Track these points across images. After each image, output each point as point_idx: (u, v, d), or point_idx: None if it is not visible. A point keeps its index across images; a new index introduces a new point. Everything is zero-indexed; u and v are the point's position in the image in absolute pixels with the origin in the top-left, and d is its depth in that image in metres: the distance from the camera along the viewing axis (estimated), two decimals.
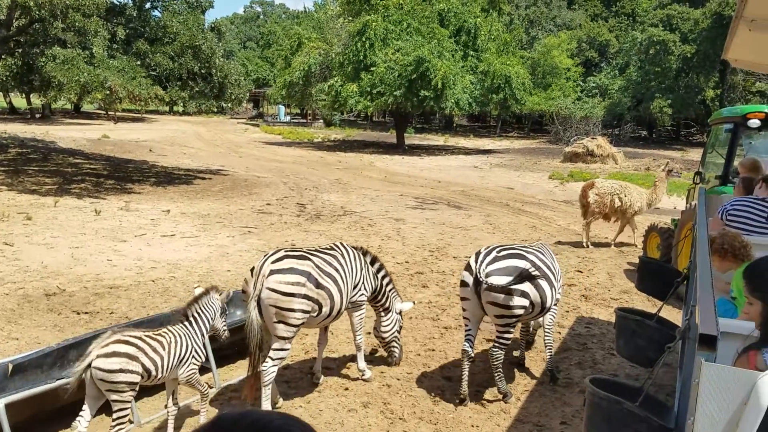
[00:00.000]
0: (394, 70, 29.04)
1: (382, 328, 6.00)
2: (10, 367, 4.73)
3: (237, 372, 5.91)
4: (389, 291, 5.99)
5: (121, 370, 4.07)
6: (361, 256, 5.65)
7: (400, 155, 29.61)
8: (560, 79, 44.39)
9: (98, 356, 4.06)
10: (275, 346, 4.91)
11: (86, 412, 4.18)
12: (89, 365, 4.06)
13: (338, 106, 33.82)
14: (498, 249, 5.45)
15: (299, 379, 5.87)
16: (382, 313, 6.00)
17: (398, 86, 29.00)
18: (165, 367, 4.34)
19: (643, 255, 9.80)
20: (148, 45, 20.82)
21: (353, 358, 6.20)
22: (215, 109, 26.09)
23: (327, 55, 33.00)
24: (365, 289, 5.61)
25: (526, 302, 5.22)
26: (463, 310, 5.58)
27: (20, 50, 18.09)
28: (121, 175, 19.04)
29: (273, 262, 4.90)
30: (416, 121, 53.66)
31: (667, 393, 5.39)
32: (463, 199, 16.76)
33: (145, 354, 4.22)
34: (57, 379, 4.70)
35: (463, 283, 5.42)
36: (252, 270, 4.98)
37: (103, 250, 9.95)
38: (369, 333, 6.54)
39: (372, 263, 5.79)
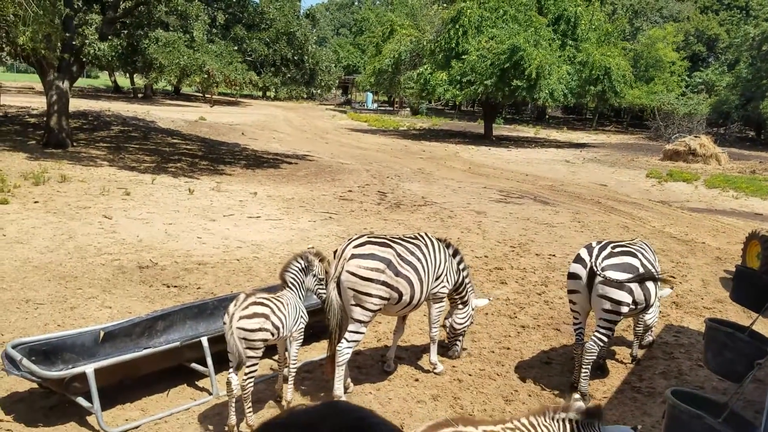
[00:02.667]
0: (487, 58, 28.47)
1: (458, 320, 5.97)
2: (102, 334, 5.04)
3: (311, 353, 6.02)
4: (468, 284, 5.93)
5: (260, 329, 4.43)
6: (445, 249, 5.60)
7: (486, 146, 29.10)
8: (664, 72, 42.19)
9: (240, 318, 4.39)
10: (351, 328, 4.98)
11: (233, 366, 4.49)
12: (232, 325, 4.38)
13: (426, 95, 33.66)
14: (612, 245, 5.44)
15: (370, 366, 5.89)
16: (460, 305, 5.95)
17: (490, 75, 28.43)
18: (287, 327, 4.67)
19: (741, 263, 9.13)
20: (245, 31, 21.45)
21: (425, 350, 6.15)
22: (305, 96, 26.60)
23: (418, 42, 32.83)
24: (447, 281, 5.57)
25: (630, 299, 5.18)
26: (572, 303, 5.58)
27: (125, 32, 19.11)
28: (214, 156, 19.85)
29: (355, 247, 4.98)
30: (506, 112, 52.64)
31: (756, 410, 5.01)
32: (550, 195, 16.26)
33: (274, 314, 4.54)
34: (144, 348, 4.96)
35: (574, 276, 5.41)
36: (335, 253, 5.05)
37: (194, 227, 10.41)
38: (443, 326, 6.47)
39: (454, 256, 5.73)
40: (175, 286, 7.51)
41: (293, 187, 15.13)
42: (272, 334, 4.52)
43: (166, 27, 18.85)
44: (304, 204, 13.17)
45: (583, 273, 5.32)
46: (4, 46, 17.86)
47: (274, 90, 23.27)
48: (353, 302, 4.94)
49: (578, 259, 5.42)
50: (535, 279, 8.82)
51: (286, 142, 25.50)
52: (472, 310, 6.04)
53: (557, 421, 2.90)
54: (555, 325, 7.17)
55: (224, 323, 4.44)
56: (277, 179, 16.25)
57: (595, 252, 5.31)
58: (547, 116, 53.96)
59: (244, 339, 4.38)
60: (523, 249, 10.41)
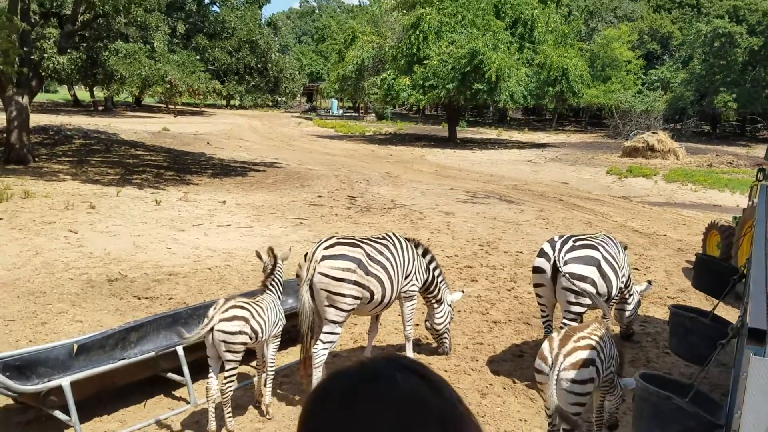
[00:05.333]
0: (448, 63, 28.84)
1: (436, 320, 6.07)
2: (75, 347, 5.00)
3: (288, 358, 6.06)
4: (441, 282, 6.04)
5: (240, 332, 4.46)
6: (413, 248, 5.71)
7: (451, 149, 29.45)
8: (620, 71, 43.18)
9: (220, 320, 4.42)
10: (326, 329, 5.04)
11: (213, 371, 4.53)
12: (212, 328, 4.42)
13: (390, 100, 33.89)
14: (574, 238, 5.58)
15: None
16: (435, 305, 6.05)
17: (451, 79, 28.80)
18: (266, 331, 4.71)
19: (701, 252, 9.49)
20: (207, 40, 21.34)
21: (401, 349, 6.25)
22: (270, 103, 26.55)
23: (380, 48, 33.09)
24: (417, 280, 5.67)
25: (593, 291, 5.33)
26: (538, 296, 5.72)
27: (84, 44, 18.84)
28: (180, 166, 19.65)
29: (325, 248, 5.04)
30: (469, 115, 53.25)
31: (722, 393, 5.24)
32: (515, 194, 16.57)
33: (253, 318, 4.58)
34: (119, 360, 4.94)
35: (539, 270, 5.54)
36: (305, 256, 5.11)
37: (162, 238, 10.33)
38: (417, 324, 6.58)
39: (424, 255, 5.84)
40: (146, 298, 7.46)
41: (262, 195, 15.10)
42: (251, 338, 4.55)
43: (126, 38, 18.65)
44: (274, 211, 13.17)
45: (547, 266, 5.47)
46: None
47: (238, 98, 23.19)
48: (327, 303, 5.01)
49: (542, 254, 5.57)
50: (504, 275, 9.01)
51: (253, 150, 25.38)
52: (449, 306, 6.16)
53: (608, 337, 4.25)
54: (525, 320, 7.35)
55: (204, 327, 4.46)
56: (245, 187, 16.20)
57: (558, 246, 5.47)
58: (508, 118, 54.74)
59: (224, 342, 4.41)
60: (491, 247, 10.61)
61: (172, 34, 20.41)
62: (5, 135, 18.01)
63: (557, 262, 5.34)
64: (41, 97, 51.19)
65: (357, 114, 54.72)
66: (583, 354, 3.95)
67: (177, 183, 16.29)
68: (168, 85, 17.28)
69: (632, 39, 46.38)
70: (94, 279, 8.03)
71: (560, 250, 5.41)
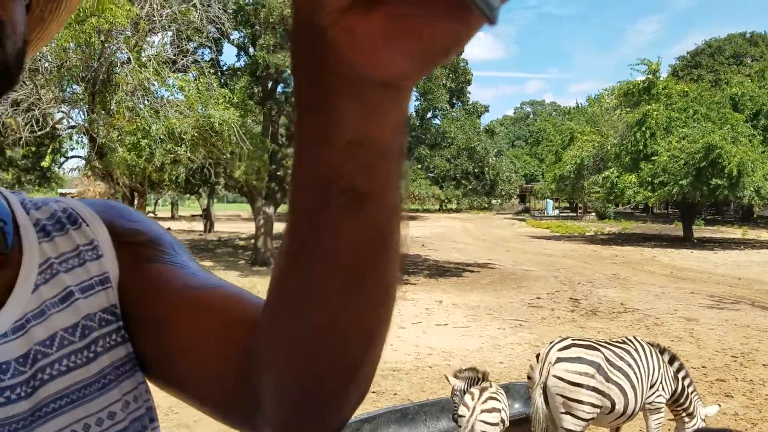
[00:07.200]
0: (680, 158, 26.93)
1: None
2: None
3: None
4: (692, 394, 5.27)
5: (497, 424, 4.51)
6: (658, 354, 5.11)
7: (687, 249, 26.78)
8: None
9: (482, 411, 4.50)
10: None
11: None
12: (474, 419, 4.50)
13: (614, 198, 32.41)
14: None
15: None
16: (686, 419, 5.27)
17: (684, 175, 26.71)
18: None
19: None
20: (428, 150, 22.78)
21: None
22: (485, 205, 27.04)
23: (601, 147, 32.16)
24: (663, 390, 5.02)
25: None
26: None
27: None
28: None
29: (560, 350, 4.73)
30: (706, 212, 48.43)
31: None
32: None
33: (503, 409, 4.62)
34: None
35: None
36: (537, 356, 4.85)
37: None
38: None
39: (671, 363, 5.19)
40: (374, 392, 7.64)
41: (478, 295, 15.02)
42: (500, 430, 4.48)
43: None
44: (490, 311, 12.96)
45: None
46: (221, 179, 20.90)
47: (455, 202, 24.00)
48: (562, 410, 4.62)
49: None
50: (766, 392, 7.63)
51: (467, 252, 25.69)
52: (702, 421, 5.31)
53: None
54: None
55: (461, 416, 4.48)
56: (460, 287, 16.30)
57: None
58: (754, 215, 48.60)
59: None
60: (746, 359, 9.12)
61: None
62: (253, 241, 20.64)
63: None
64: (282, 208, 58.48)
65: (575, 214, 53.14)
66: None
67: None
68: None
69: None
70: None
71: None
